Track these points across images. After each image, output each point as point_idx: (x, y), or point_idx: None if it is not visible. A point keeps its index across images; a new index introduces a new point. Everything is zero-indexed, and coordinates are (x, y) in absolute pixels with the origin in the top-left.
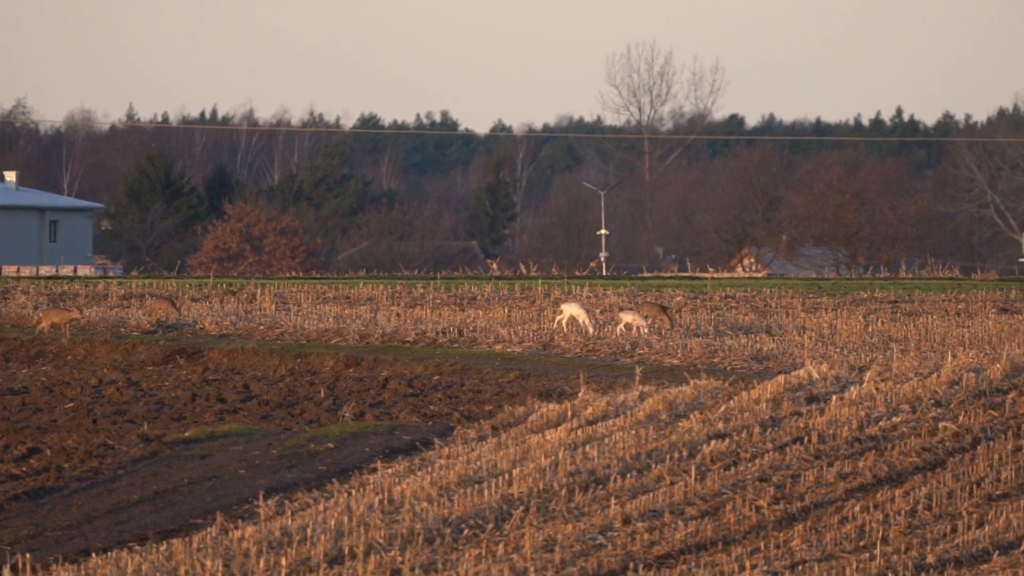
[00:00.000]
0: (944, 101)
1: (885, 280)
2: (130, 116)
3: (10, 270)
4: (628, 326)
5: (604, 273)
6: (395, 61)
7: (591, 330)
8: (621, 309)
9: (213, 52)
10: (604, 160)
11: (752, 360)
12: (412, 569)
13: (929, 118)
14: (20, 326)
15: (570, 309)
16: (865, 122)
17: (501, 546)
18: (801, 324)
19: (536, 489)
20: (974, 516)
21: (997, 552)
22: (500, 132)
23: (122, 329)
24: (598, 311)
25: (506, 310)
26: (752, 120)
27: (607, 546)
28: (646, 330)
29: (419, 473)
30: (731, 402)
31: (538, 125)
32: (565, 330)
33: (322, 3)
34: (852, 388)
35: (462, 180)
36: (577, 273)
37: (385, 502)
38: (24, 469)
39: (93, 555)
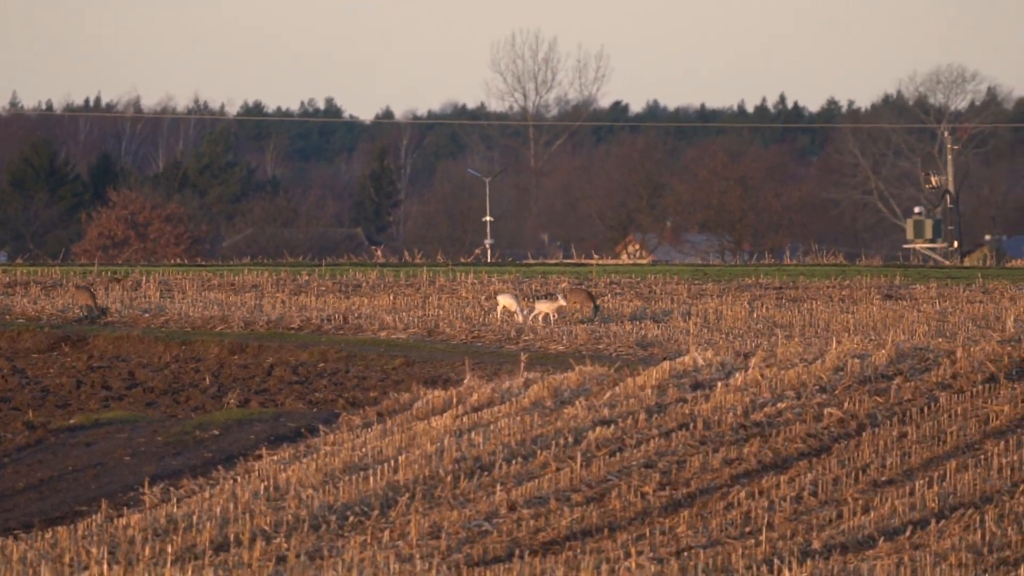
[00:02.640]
0: (828, 88)
1: (770, 266)
2: (13, 104)
3: None
4: (546, 316)
5: (489, 260)
6: (279, 48)
7: (520, 318)
8: (536, 299)
9: (98, 39)
10: (489, 147)
11: (637, 346)
12: (298, 556)
13: (813, 104)
14: None
15: (503, 300)
16: (749, 108)
17: (387, 533)
18: (686, 310)
19: (422, 476)
20: (859, 502)
21: (883, 538)
22: (384, 119)
23: (7, 317)
24: (483, 298)
25: (391, 297)
26: (636, 107)
27: (493, 533)
28: (520, 317)
29: (304, 460)
30: (616, 388)
31: (422, 112)
32: (503, 319)
33: None
34: (737, 374)
35: (346, 167)
36: (462, 260)
37: (271, 489)
38: None
39: None
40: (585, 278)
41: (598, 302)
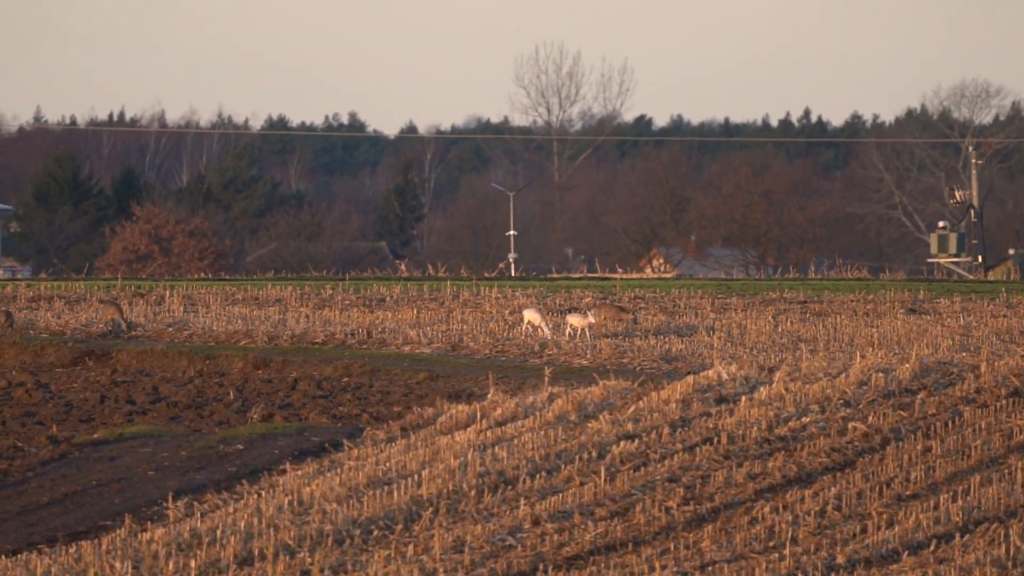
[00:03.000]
0: (852, 102)
1: (794, 280)
2: (37, 118)
3: None
4: (575, 329)
5: (513, 274)
6: (303, 62)
7: (547, 332)
8: (568, 312)
9: (121, 54)
10: (512, 161)
11: (661, 360)
12: (321, 570)
13: (837, 119)
14: None
15: (528, 315)
16: (773, 123)
17: (411, 547)
18: (710, 324)
19: (445, 490)
20: (884, 516)
21: (907, 552)
22: (408, 133)
23: (31, 331)
24: (507, 312)
25: (415, 311)
26: (660, 121)
27: (516, 547)
28: (546, 331)
29: (328, 474)
30: (640, 403)
31: (446, 126)
32: (528, 334)
33: (230, 5)
34: (761, 388)
35: (370, 181)
36: (486, 274)
37: (295, 503)
38: None
39: (2, 557)
40: (609, 292)
41: (633, 314)
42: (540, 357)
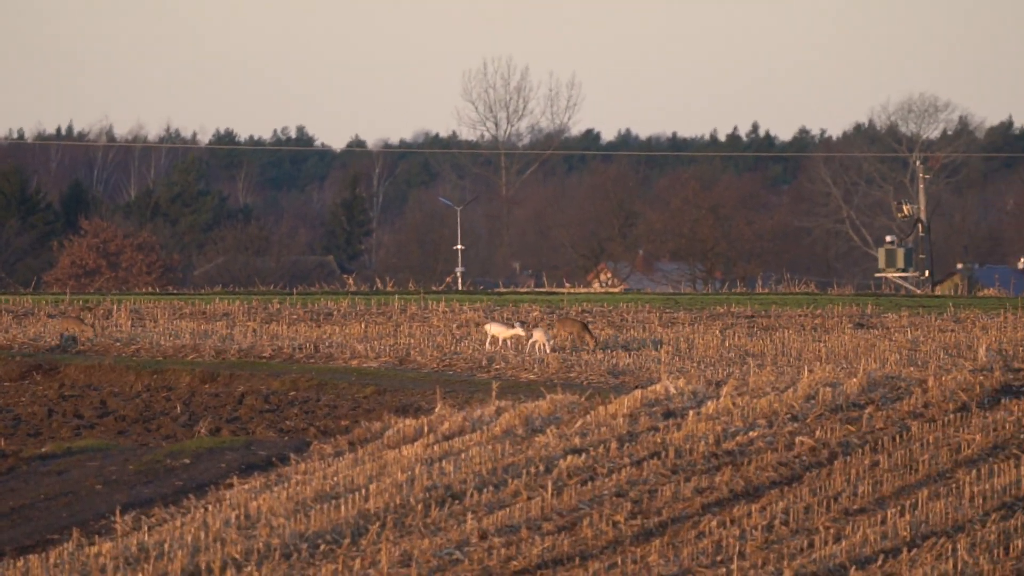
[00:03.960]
0: (800, 116)
1: (742, 295)
2: None
3: None
4: (534, 343)
5: (460, 288)
6: (251, 77)
7: (547, 349)
8: (535, 326)
9: (69, 68)
10: (460, 175)
11: (609, 375)
12: None
13: (785, 133)
14: None
15: (537, 334)
16: (721, 137)
17: (358, 561)
18: (658, 339)
19: (393, 504)
20: (831, 531)
21: (854, 567)
22: (356, 147)
23: None
24: (455, 326)
25: (363, 325)
26: (608, 135)
27: (464, 561)
28: (548, 347)
29: (276, 488)
30: (588, 417)
31: (394, 140)
32: (498, 348)
33: (178, 18)
34: (709, 403)
35: (318, 196)
36: (433, 288)
37: (242, 517)
38: None
39: None
40: (557, 307)
41: (597, 340)
42: (488, 371)
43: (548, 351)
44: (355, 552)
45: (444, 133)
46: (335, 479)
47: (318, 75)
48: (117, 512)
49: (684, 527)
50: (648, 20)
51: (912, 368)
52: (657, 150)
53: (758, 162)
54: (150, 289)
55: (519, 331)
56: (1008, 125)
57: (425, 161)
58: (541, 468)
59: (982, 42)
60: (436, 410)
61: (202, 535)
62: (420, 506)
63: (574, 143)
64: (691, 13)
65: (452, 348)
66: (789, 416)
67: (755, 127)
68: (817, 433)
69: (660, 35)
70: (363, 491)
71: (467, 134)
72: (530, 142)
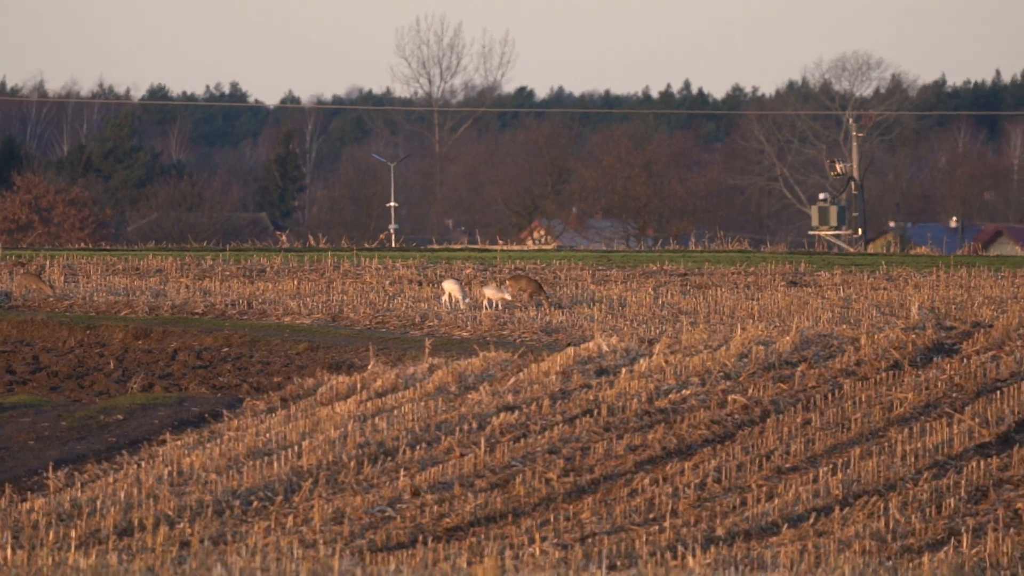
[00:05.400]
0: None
1: (675, 253)
2: None
3: None
4: (491, 301)
5: (394, 245)
6: (184, 32)
7: (463, 304)
8: (483, 284)
9: (2, 23)
10: (394, 132)
11: (542, 333)
12: (201, 541)
13: (718, 91)
14: None
15: (448, 286)
16: (654, 95)
17: (290, 518)
18: (591, 296)
19: (325, 461)
20: (763, 489)
21: (786, 525)
22: (289, 104)
23: None
24: (387, 283)
25: (295, 282)
26: (541, 93)
27: (396, 518)
28: (463, 304)
29: (208, 445)
30: (520, 375)
31: (328, 97)
32: (448, 307)
33: None
34: (642, 361)
35: (251, 152)
36: (367, 245)
37: (174, 474)
38: None
39: None
40: (490, 264)
41: (547, 296)
42: (421, 328)
43: (464, 306)
44: (288, 509)
45: (378, 90)
46: (268, 436)
47: (252, 31)
48: (50, 468)
49: (617, 485)
50: None
51: (845, 326)
52: (590, 107)
53: (691, 120)
54: (83, 245)
55: (506, 295)
56: (941, 84)
57: (359, 118)
58: (474, 425)
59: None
60: (369, 367)
61: (135, 492)
62: (353, 463)
63: (507, 100)
64: None
65: (385, 305)
66: (722, 374)
67: (688, 85)
68: (750, 391)
69: None
70: (296, 448)
71: (400, 91)
72: (463, 99)
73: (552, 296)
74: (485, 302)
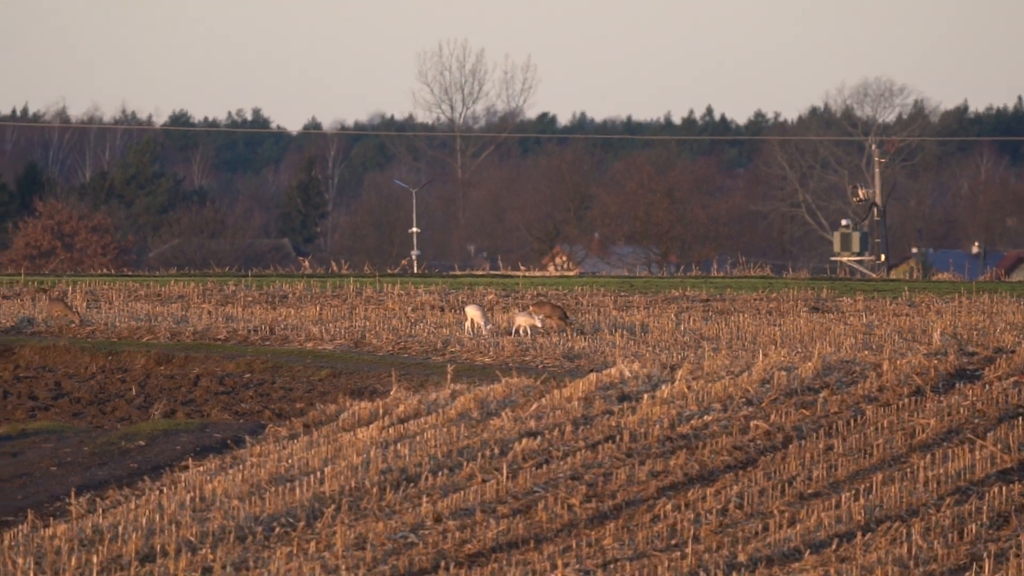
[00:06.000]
0: (755, 100)
1: (697, 278)
2: None
3: None
4: (523, 328)
5: (416, 271)
6: (207, 58)
7: (485, 330)
8: (516, 311)
9: (25, 49)
10: (416, 158)
11: (564, 358)
12: (224, 567)
13: (740, 117)
14: None
15: (471, 312)
16: (676, 120)
17: (313, 544)
18: (613, 322)
19: (348, 487)
20: (785, 515)
21: (808, 551)
22: (312, 130)
23: None
24: (410, 308)
25: (318, 308)
26: (564, 118)
27: (418, 544)
28: (485, 331)
29: (230, 471)
30: (543, 400)
31: (350, 123)
32: (471, 333)
33: (133, 0)
34: (664, 386)
35: (273, 178)
36: (388, 271)
37: (197, 500)
38: None
39: None
40: (512, 290)
41: (568, 314)
42: (443, 354)
43: (486, 333)
44: (310, 535)
45: (400, 115)
46: (290, 462)
47: (274, 57)
48: (72, 494)
49: (639, 510)
50: (604, 3)
51: (867, 352)
52: (612, 133)
53: (713, 146)
54: (105, 270)
55: (536, 321)
56: (963, 109)
57: (381, 144)
58: (496, 451)
59: (938, 26)
60: (391, 393)
61: (157, 517)
62: (375, 489)
63: (529, 126)
64: None
65: (407, 331)
66: (744, 400)
67: (710, 110)
68: (772, 417)
69: (616, 18)
70: (318, 474)
71: (423, 116)
72: (485, 125)
73: (575, 322)
74: (519, 329)
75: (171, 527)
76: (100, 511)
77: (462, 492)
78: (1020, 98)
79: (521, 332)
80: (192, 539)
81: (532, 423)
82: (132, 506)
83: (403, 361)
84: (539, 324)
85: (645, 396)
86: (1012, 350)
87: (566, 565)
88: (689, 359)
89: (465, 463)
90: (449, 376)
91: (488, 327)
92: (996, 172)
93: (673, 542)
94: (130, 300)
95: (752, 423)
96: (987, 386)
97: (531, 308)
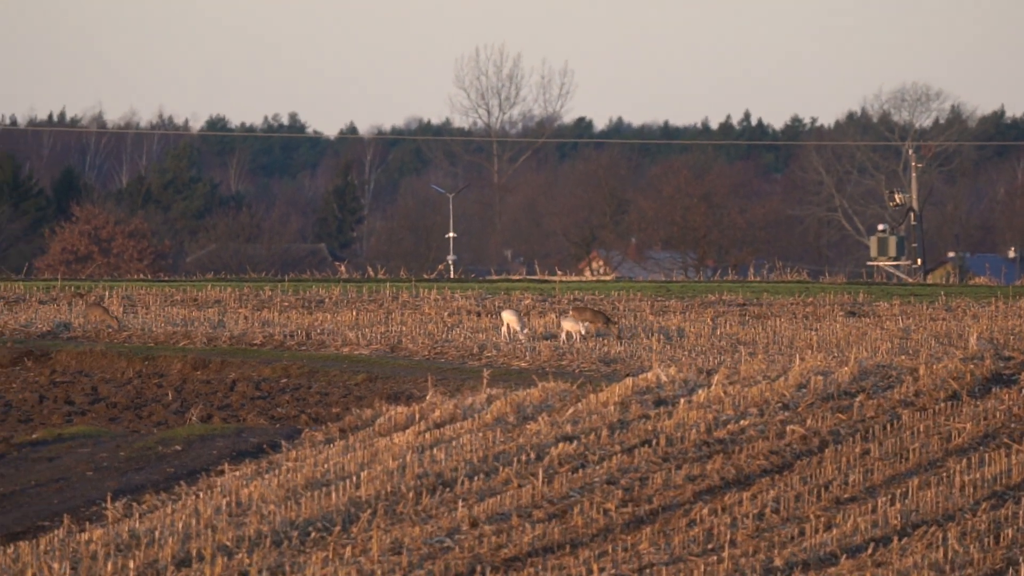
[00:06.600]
0: (792, 105)
1: (733, 283)
2: None
3: None
4: (569, 334)
5: (452, 276)
6: (243, 63)
7: (521, 335)
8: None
9: (62, 53)
10: (452, 163)
11: (600, 363)
12: (260, 571)
13: (777, 122)
14: None
15: (507, 317)
16: (713, 125)
17: (348, 549)
18: (649, 327)
19: (384, 492)
20: (822, 519)
21: (844, 555)
22: (348, 135)
23: None
24: (446, 313)
25: (354, 313)
26: (601, 123)
27: (454, 549)
28: (522, 335)
29: (266, 476)
30: (579, 405)
31: (387, 127)
32: (507, 338)
33: (170, 4)
34: (700, 391)
35: (310, 183)
36: (425, 276)
37: (233, 504)
38: None
39: None
40: (549, 295)
41: (612, 317)
42: (479, 359)
43: (522, 337)
44: (346, 539)
45: (436, 120)
46: (326, 466)
47: (311, 62)
48: (108, 499)
49: (675, 515)
50: (641, 7)
51: (903, 357)
52: (649, 138)
53: (751, 150)
54: (142, 276)
55: (579, 327)
56: (1000, 114)
57: (417, 148)
58: (532, 456)
59: (975, 31)
60: (427, 398)
61: (193, 522)
62: (411, 494)
63: (566, 131)
64: (684, 1)
65: (443, 336)
66: (780, 405)
67: (747, 115)
68: (808, 422)
69: (653, 23)
70: (354, 478)
71: (459, 121)
72: (522, 130)
73: (617, 324)
74: (564, 335)
75: (207, 532)
76: (136, 516)
77: (498, 497)
78: None
79: (575, 336)
80: (228, 544)
81: (568, 428)
82: (168, 511)
83: (439, 366)
84: (583, 331)
85: (681, 401)
86: None
87: (602, 570)
88: (725, 364)
89: (501, 468)
90: (485, 381)
91: (524, 332)
92: None
93: (709, 547)
94: (166, 305)
95: (788, 428)
96: (1023, 390)
97: (572, 313)
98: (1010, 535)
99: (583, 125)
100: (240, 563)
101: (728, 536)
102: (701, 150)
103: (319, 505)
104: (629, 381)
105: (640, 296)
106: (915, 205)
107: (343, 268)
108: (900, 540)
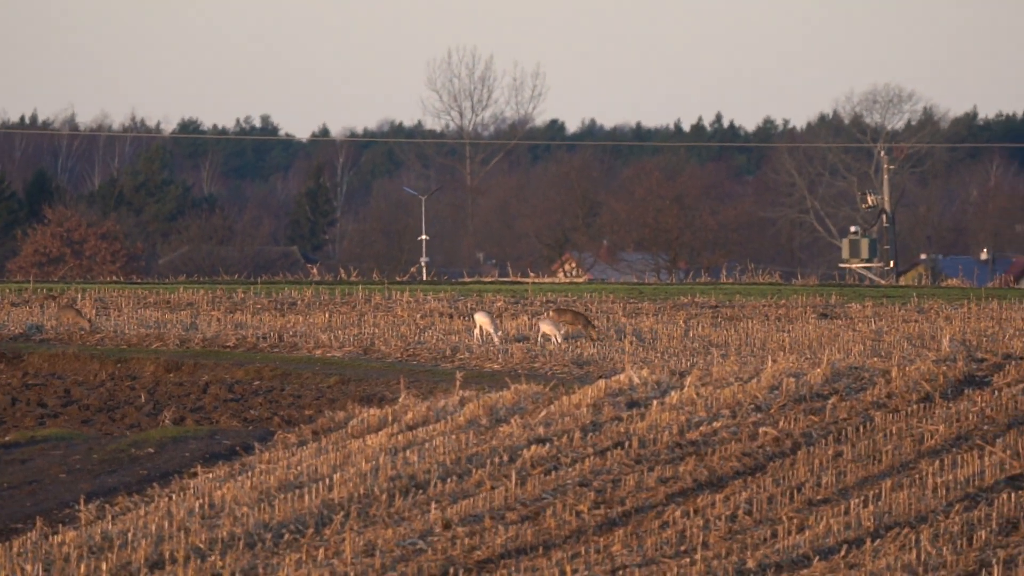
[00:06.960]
0: (764, 107)
1: (706, 285)
2: None
3: None
4: (546, 336)
5: (425, 278)
6: (215, 65)
7: (495, 337)
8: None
9: (33, 56)
10: (425, 165)
11: (573, 365)
12: (233, 574)
13: (749, 123)
14: None
15: (480, 319)
16: (686, 127)
17: (321, 551)
18: (622, 329)
19: (357, 494)
20: (794, 521)
21: (817, 557)
22: (320, 137)
23: None
24: (418, 315)
25: (326, 315)
26: (573, 126)
27: (427, 551)
28: (496, 338)
29: (240, 478)
30: (552, 407)
31: (359, 130)
32: (480, 340)
33: (141, 6)
34: (673, 393)
35: (282, 185)
36: (398, 278)
37: (206, 507)
38: None
39: None
40: (522, 297)
41: (592, 320)
42: (451, 361)
43: (496, 340)
44: (319, 542)
45: (409, 122)
46: (299, 468)
47: (283, 65)
48: (81, 501)
49: (648, 517)
50: (613, 10)
51: (876, 358)
52: (621, 140)
53: (722, 152)
54: (114, 278)
55: (557, 331)
56: (972, 116)
57: (390, 150)
58: (505, 458)
59: (947, 33)
60: (400, 400)
61: (166, 524)
62: (384, 496)
63: (539, 133)
64: (655, 3)
65: (416, 338)
66: (753, 406)
67: (719, 117)
68: (781, 423)
69: (624, 25)
70: (327, 481)
71: (432, 124)
72: (494, 132)
73: (596, 328)
74: (540, 337)
75: (180, 534)
76: (109, 518)
77: (471, 499)
78: None
79: (553, 339)
80: (201, 546)
81: (541, 430)
82: (141, 513)
83: (412, 368)
84: (559, 337)
85: (654, 402)
86: (1021, 356)
87: (575, 572)
88: (698, 365)
89: (474, 470)
90: (458, 383)
91: (497, 334)
92: (1005, 178)
93: (682, 548)
94: (139, 307)
95: (761, 429)
96: (996, 392)
97: (551, 314)
98: (983, 537)
99: (555, 127)
100: (213, 565)
101: (700, 538)
102: (673, 152)
103: (292, 507)
104: (602, 383)
105: (613, 298)
106: (887, 207)
107: (315, 270)
108: (873, 542)
